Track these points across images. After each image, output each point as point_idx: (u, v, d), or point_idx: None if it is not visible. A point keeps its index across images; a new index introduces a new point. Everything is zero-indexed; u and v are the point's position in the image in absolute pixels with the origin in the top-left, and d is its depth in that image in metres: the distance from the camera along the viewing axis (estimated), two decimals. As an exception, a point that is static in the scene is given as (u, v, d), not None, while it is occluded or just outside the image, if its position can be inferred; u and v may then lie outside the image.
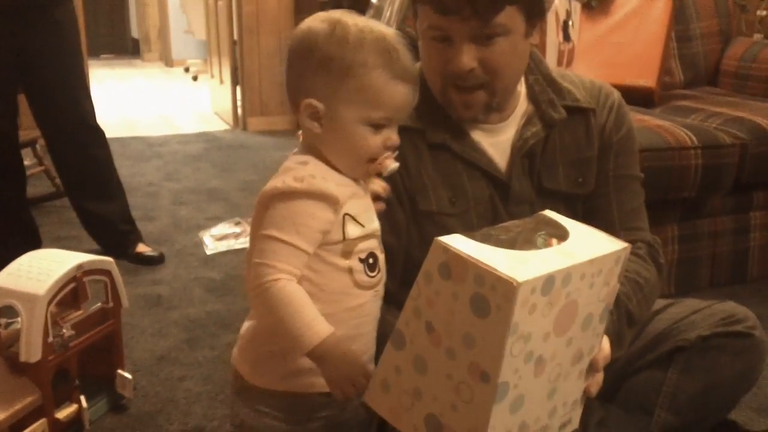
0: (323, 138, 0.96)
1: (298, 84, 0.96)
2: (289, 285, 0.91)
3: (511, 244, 0.82)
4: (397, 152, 0.99)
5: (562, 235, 0.88)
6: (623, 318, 1.14)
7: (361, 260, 0.96)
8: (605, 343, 1.00)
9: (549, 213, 0.93)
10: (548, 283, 0.77)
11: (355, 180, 0.99)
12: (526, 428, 0.88)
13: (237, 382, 1.03)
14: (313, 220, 0.92)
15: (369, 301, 0.98)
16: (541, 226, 0.89)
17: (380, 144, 0.96)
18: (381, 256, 1.00)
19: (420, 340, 0.84)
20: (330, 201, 0.93)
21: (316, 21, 0.96)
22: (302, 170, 0.94)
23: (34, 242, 2.30)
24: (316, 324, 0.91)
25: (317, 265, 0.95)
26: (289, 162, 0.98)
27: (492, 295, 0.76)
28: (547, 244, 0.85)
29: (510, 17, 1.06)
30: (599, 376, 0.99)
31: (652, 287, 1.22)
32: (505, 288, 0.74)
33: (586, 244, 0.86)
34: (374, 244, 0.98)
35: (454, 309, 0.79)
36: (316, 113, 0.94)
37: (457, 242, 0.79)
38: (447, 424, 0.84)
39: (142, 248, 2.49)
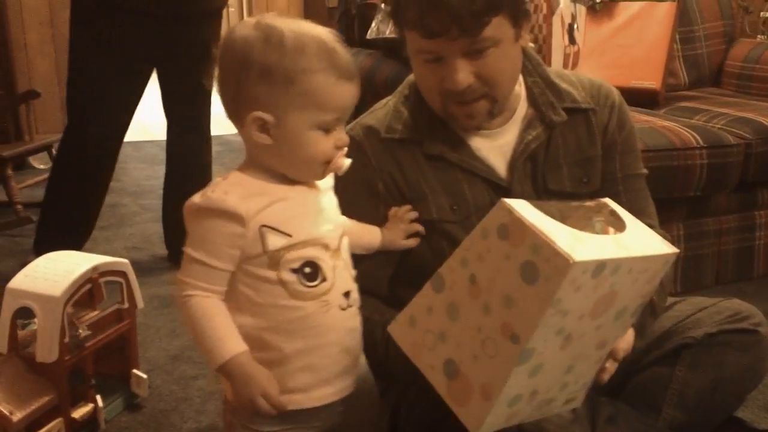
0: (273, 149, 0.94)
1: (239, 97, 0.93)
2: (202, 302, 0.92)
3: (569, 222, 0.83)
4: (347, 149, 0.98)
5: (619, 225, 0.90)
6: (647, 308, 1.15)
7: (294, 270, 0.93)
8: (629, 336, 1.02)
9: (609, 201, 0.95)
10: (599, 268, 0.79)
11: (294, 183, 0.97)
12: (536, 395, 0.90)
13: (226, 403, 1.03)
14: (218, 237, 0.91)
15: (316, 312, 0.95)
16: (601, 212, 0.91)
17: (332, 146, 0.94)
18: (329, 264, 0.96)
19: (459, 289, 0.86)
20: (230, 216, 0.90)
21: (247, 28, 0.93)
22: (212, 186, 0.93)
23: (78, 245, 2.34)
24: (222, 343, 0.91)
25: (248, 279, 0.94)
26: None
27: (544, 266, 0.78)
28: (604, 231, 0.87)
29: (497, 27, 1.07)
30: (613, 366, 1.01)
31: (668, 280, 1.25)
32: (560, 263, 0.76)
33: (641, 241, 0.88)
34: (312, 253, 0.94)
35: (502, 269, 0.81)
36: (264, 125, 0.92)
37: (522, 208, 0.81)
38: (464, 372, 0.86)
39: None
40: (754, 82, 2.66)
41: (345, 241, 1.01)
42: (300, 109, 0.91)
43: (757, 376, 1.31)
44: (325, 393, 0.99)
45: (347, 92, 0.94)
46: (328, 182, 1.04)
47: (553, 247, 0.77)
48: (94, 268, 1.50)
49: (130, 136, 2.49)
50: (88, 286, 1.50)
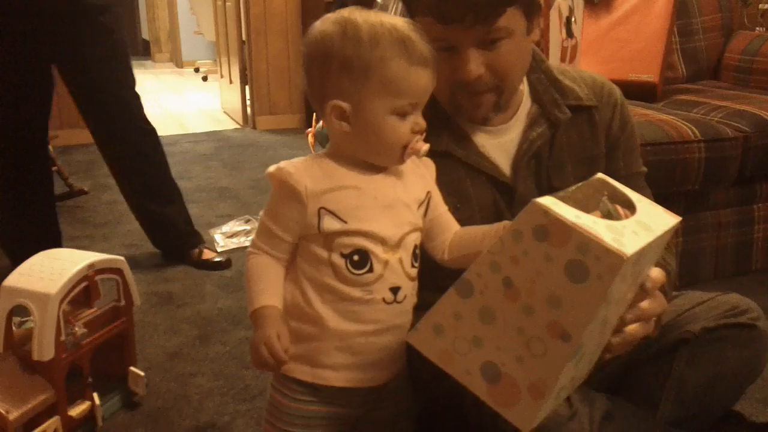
0: (353, 135, 0.98)
1: (321, 89, 0.98)
2: (258, 258, 1.00)
3: (584, 209, 0.82)
4: (425, 134, 1.00)
5: (625, 201, 0.89)
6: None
7: (344, 255, 0.96)
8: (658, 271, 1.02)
9: (603, 176, 0.94)
10: (639, 255, 0.79)
11: (373, 173, 1.00)
12: (574, 379, 0.91)
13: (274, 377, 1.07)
14: (280, 207, 0.98)
15: (359, 299, 0.98)
16: (604, 190, 0.91)
17: (409, 130, 0.97)
18: (382, 257, 0.98)
19: (492, 293, 0.84)
20: (290, 190, 0.96)
21: (327, 24, 0.97)
22: (292, 160, 0.98)
23: (56, 245, 2.32)
24: (258, 295, 0.98)
25: (305, 254, 0.99)
26: None
27: (594, 264, 0.76)
28: (615, 210, 0.87)
29: (511, 19, 1.07)
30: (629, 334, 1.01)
31: (675, 276, 1.26)
32: (612, 260, 0.75)
33: (653, 216, 0.88)
34: (364, 243, 0.97)
35: (543, 270, 0.80)
36: (343, 113, 0.96)
37: (556, 206, 0.79)
38: (508, 374, 0.85)
39: (208, 254, 2.50)
40: (753, 75, 2.66)
41: (412, 238, 1.02)
42: (377, 96, 0.95)
43: (756, 371, 1.31)
44: (354, 377, 1.01)
45: (421, 78, 0.96)
46: (422, 177, 1.06)
47: (602, 245, 0.75)
48: (90, 266, 1.51)
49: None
50: (84, 283, 1.50)
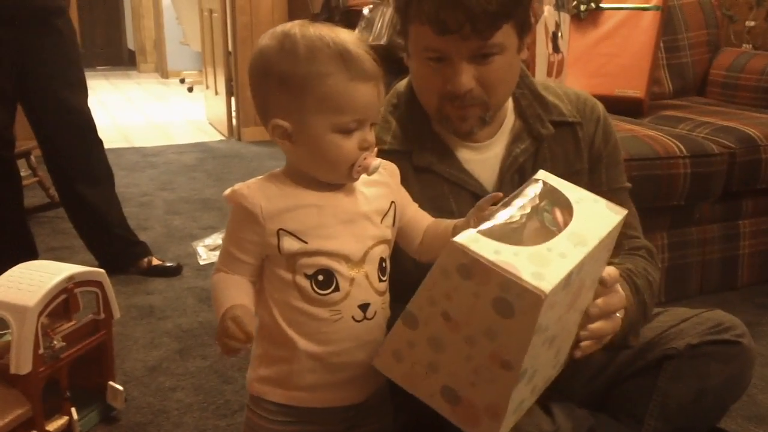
0: (298, 153, 0.96)
1: (264, 106, 0.96)
2: (217, 275, 0.98)
3: (521, 230, 0.81)
4: (376, 149, 0.98)
5: (563, 204, 0.88)
6: (640, 307, 1.17)
7: (308, 276, 0.94)
8: (621, 295, 1.04)
9: (543, 174, 0.93)
10: (568, 278, 0.79)
11: (329, 190, 0.97)
12: (536, 389, 0.92)
13: (250, 398, 1.05)
14: (238, 231, 0.95)
15: (327, 320, 0.96)
16: (543, 198, 0.89)
17: (355, 147, 0.94)
18: (347, 275, 0.96)
19: (436, 325, 0.84)
20: (246, 213, 0.93)
21: (267, 39, 0.95)
22: (248, 181, 0.96)
23: (30, 254, 2.28)
24: (225, 299, 0.94)
25: (269, 275, 0.97)
26: None
27: (517, 302, 0.76)
28: (555, 220, 0.86)
29: (506, 35, 1.08)
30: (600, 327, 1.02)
31: (657, 287, 1.26)
32: (532, 298, 0.75)
33: (591, 219, 0.88)
34: (327, 262, 0.95)
35: (474, 305, 0.80)
36: (285, 132, 0.94)
37: (476, 243, 0.78)
38: (465, 396, 0.86)
39: (156, 261, 2.48)
40: (739, 91, 2.68)
41: (377, 251, 1.00)
42: (316, 114, 0.92)
43: (740, 387, 1.31)
44: (330, 397, 1.00)
45: (363, 93, 0.93)
46: (385, 186, 1.03)
47: (520, 284, 0.75)
48: (70, 278, 1.49)
49: (111, 143, 2.45)
50: (63, 296, 1.48)
